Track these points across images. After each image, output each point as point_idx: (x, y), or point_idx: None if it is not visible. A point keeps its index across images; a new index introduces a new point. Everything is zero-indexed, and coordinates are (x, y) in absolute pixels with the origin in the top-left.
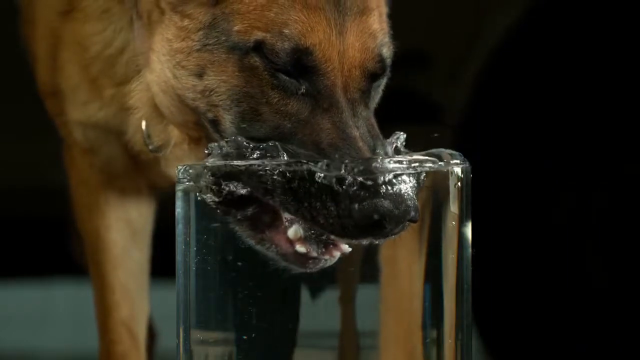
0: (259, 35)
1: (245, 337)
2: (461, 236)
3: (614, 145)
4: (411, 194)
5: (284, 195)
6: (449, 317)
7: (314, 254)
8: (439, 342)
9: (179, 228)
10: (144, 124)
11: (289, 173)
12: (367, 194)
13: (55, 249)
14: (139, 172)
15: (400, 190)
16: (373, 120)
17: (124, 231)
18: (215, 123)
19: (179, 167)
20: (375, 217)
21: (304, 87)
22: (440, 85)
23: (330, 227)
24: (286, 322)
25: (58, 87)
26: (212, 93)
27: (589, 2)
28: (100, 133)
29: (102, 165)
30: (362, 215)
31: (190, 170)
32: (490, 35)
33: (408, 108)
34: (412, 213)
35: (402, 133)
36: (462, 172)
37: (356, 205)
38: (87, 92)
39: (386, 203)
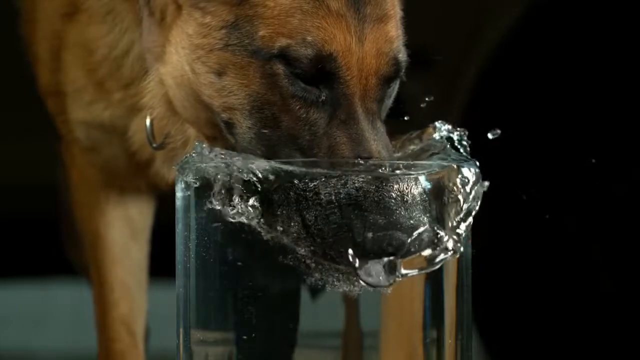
0: (283, 42)
1: (245, 337)
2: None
3: (615, 145)
4: (426, 223)
5: (292, 224)
6: (449, 317)
7: None
8: (439, 342)
9: (179, 227)
10: (148, 120)
11: (300, 198)
12: (383, 223)
13: (55, 249)
14: (138, 172)
15: (416, 220)
16: (387, 139)
17: (123, 229)
18: (230, 125)
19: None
20: (390, 249)
21: (324, 94)
22: (441, 84)
23: (341, 257)
24: (286, 322)
25: (60, 88)
26: (230, 94)
27: (591, 1)
28: (104, 133)
29: (103, 164)
30: (375, 245)
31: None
32: (491, 34)
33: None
34: (425, 246)
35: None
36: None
37: (370, 234)
38: (92, 94)
39: (404, 237)
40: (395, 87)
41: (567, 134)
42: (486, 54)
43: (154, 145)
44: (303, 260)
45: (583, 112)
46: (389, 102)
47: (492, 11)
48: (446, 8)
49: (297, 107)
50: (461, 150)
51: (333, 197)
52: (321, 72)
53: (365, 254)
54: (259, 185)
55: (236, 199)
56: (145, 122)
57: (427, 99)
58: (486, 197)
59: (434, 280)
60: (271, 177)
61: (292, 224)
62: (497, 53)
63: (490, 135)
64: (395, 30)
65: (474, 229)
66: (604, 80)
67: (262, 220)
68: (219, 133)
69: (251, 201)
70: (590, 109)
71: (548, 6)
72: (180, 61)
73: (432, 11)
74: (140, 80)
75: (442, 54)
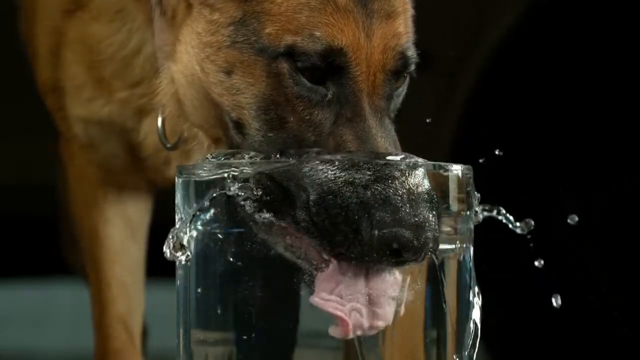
0: (289, 40)
1: (245, 337)
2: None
3: (614, 145)
4: (433, 223)
5: (304, 216)
6: (449, 317)
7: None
8: (439, 342)
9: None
10: (159, 120)
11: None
12: (389, 221)
13: (55, 249)
14: (138, 169)
15: (422, 218)
16: (395, 137)
17: (121, 227)
18: (240, 125)
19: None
20: (395, 246)
21: (331, 92)
22: (442, 85)
23: (347, 250)
24: (286, 322)
25: (59, 84)
26: (238, 93)
27: (590, 2)
28: (102, 130)
29: (101, 161)
30: (381, 242)
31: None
32: (492, 34)
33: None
34: (431, 244)
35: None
36: (462, 173)
37: (376, 232)
38: (92, 90)
39: (407, 233)
40: (404, 87)
41: (567, 133)
42: (487, 53)
43: (168, 145)
44: (305, 260)
45: (583, 112)
46: (398, 101)
47: (492, 11)
48: (447, 8)
49: (302, 108)
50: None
51: (339, 196)
52: (330, 66)
53: (372, 252)
54: (262, 183)
55: (238, 199)
56: (156, 123)
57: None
58: (486, 197)
59: (434, 281)
60: (275, 174)
61: (298, 222)
62: (497, 53)
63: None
64: (403, 26)
65: (474, 229)
66: (604, 80)
67: (265, 219)
68: (224, 135)
69: (253, 200)
70: (589, 108)
71: (548, 6)
72: (190, 60)
73: (432, 11)
74: (150, 80)
75: (442, 54)
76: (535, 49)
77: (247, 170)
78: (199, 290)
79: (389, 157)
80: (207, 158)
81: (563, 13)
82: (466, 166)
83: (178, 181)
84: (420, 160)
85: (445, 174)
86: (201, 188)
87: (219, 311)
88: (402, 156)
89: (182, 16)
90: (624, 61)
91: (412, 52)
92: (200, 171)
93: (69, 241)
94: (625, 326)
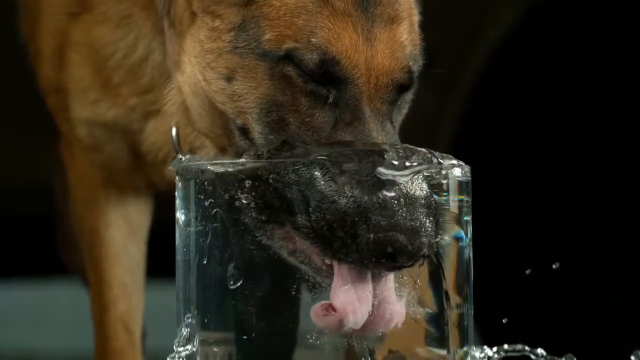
0: (289, 45)
1: (245, 337)
2: (461, 236)
3: (614, 145)
4: (429, 228)
5: (299, 216)
6: (450, 318)
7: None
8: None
9: (179, 227)
10: (174, 131)
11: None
12: (384, 225)
13: (55, 249)
14: (139, 170)
15: (418, 224)
16: (398, 141)
17: (122, 228)
18: (245, 131)
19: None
20: (389, 250)
21: (332, 95)
22: (441, 85)
23: (346, 254)
24: (286, 322)
25: (63, 85)
26: (240, 98)
27: (590, 2)
28: (107, 131)
29: (104, 162)
30: (376, 246)
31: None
32: (491, 34)
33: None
34: (425, 250)
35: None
36: (461, 173)
37: (372, 235)
38: (97, 93)
39: (401, 238)
40: (410, 92)
41: (567, 134)
42: (487, 53)
43: (180, 154)
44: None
45: (582, 112)
46: (404, 109)
47: (492, 10)
48: (447, 8)
49: (305, 108)
50: None
51: (338, 202)
52: (328, 74)
53: (368, 256)
54: (260, 184)
55: (236, 199)
56: (159, 125)
57: None
58: (486, 197)
59: (435, 280)
60: (272, 175)
61: (299, 228)
62: (497, 52)
63: None
64: (408, 33)
65: (474, 229)
66: (604, 80)
67: (262, 220)
68: (230, 143)
69: (252, 200)
70: (589, 108)
71: (548, 6)
72: (193, 70)
73: (432, 11)
74: (160, 88)
75: (441, 54)
76: (536, 48)
77: (248, 167)
78: (199, 289)
79: (386, 147)
80: (200, 155)
81: (563, 13)
82: (465, 165)
83: (177, 181)
84: (420, 150)
85: (445, 179)
86: (201, 188)
87: (219, 311)
88: (405, 146)
89: (186, 25)
90: (624, 61)
91: (414, 64)
92: (201, 172)
93: (65, 242)
94: (625, 326)
